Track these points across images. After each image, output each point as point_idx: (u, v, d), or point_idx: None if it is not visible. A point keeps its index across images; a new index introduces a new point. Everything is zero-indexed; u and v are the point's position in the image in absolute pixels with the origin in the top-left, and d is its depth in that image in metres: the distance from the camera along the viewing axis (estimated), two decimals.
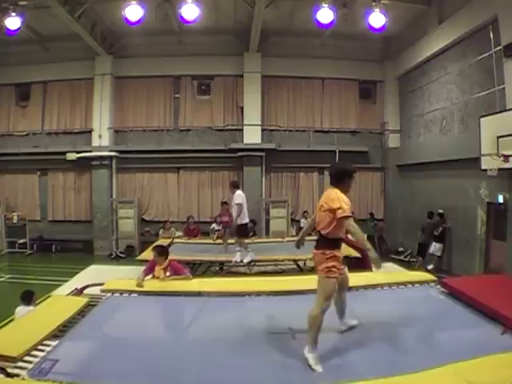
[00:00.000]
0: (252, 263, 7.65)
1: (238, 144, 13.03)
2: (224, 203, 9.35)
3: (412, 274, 5.64)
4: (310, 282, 4.99)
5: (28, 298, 4.97)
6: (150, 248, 5.85)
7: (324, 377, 2.75)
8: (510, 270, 7.73)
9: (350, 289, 4.64)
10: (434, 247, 10.41)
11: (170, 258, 5.38)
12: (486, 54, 8.97)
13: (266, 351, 3.24)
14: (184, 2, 9.75)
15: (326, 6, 9.77)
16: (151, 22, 10.71)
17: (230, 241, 7.68)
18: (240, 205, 7.23)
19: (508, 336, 3.28)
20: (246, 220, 7.42)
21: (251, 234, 10.56)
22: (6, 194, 13.64)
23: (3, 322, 5.05)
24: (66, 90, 13.67)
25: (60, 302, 4.26)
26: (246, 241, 7.54)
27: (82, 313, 3.95)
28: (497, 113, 8.06)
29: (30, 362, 2.91)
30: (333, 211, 3.24)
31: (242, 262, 7.39)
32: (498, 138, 7.50)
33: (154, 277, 5.10)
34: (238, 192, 7.44)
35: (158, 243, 7.43)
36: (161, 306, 4.52)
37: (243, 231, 7.57)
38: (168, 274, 5.09)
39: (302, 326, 3.62)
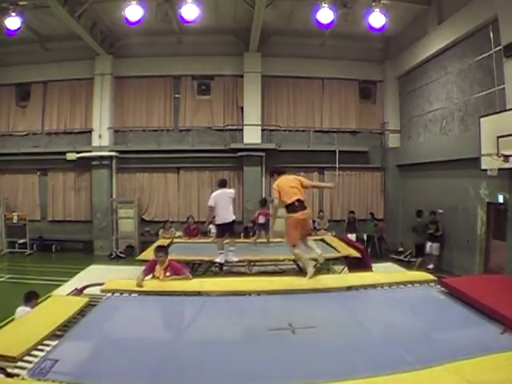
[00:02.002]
0: (230, 264, 7.57)
1: (237, 144, 13.03)
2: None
3: (412, 273, 5.65)
4: (309, 281, 5.02)
5: (28, 298, 4.97)
6: (153, 248, 5.84)
7: (324, 375, 2.75)
8: (510, 270, 7.73)
9: (349, 288, 4.69)
10: (431, 247, 10.41)
11: (169, 258, 5.39)
12: (486, 54, 8.98)
13: (265, 349, 3.24)
14: (184, 2, 9.76)
15: (326, 5, 9.78)
16: (151, 21, 10.73)
17: (226, 240, 7.60)
18: (210, 207, 7.15)
19: (508, 335, 3.28)
20: (222, 221, 7.13)
21: (251, 233, 10.54)
22: (5, 194, 13.64)
23: (3, 322, 5.06)
24: (66, 90, 13.68)
25: (60, 302, 4.25)
26: (227, 241, 7.45)
27: (81, 313, 3.95)
28: (497, 113, 8.06)
29: (30, 362, 2.90)
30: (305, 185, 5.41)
31: (233, 261, 7.38)
32: (498, 137, 7.50)
33: (153, 277, 5.10)
34: (213, 193, 7.27)
35: (158, 243, 7.43)
36: (161, 306, 4.51)
37: (218, 231, 7.49)
38: (168, 274, 5.10)
39: (301, 323, 3.63)
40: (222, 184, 7.44)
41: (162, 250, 5.36)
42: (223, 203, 7.11)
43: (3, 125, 13.78)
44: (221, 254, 7.21)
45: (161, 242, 8.74)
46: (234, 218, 7.27)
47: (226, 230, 7.26)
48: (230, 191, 7.43)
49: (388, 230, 13.30)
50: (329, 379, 2.68)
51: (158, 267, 5.13)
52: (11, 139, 13.71)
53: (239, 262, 7.55)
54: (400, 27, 12.18)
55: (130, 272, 6.37)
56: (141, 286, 4.70)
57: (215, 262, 7.53)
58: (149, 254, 7.31)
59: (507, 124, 7.37)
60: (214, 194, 7.22)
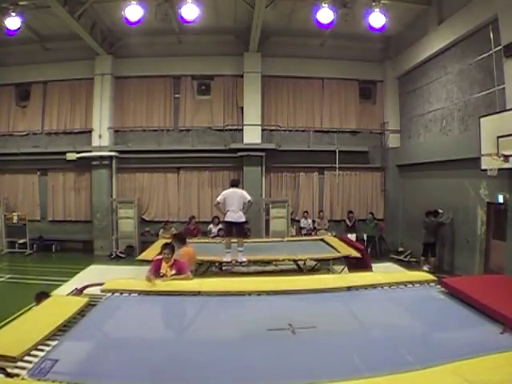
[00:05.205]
0: (244, 264, 7.60)
1: (237, 144, 13.03)
2: None
3: (412, 274, 5.64)
4: (309, 281, 5.03)
5: (38, 298, 4.96)
6: (153, 248, 5.86)
7: (324, 376, 2.75)
8: (510, 270, 7.74)
9: (349, 288, 4.69)
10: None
11: None
12: (485, 54, 8.98)
13: (265, 349, 3.24)
14: (184, 2, 9.76)
15: (326, 5, 9.77)
16: (151, 21, 10.71)
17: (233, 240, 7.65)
18: (217, 202, 7.35)
19: (508, 335, 3.28)
20: (226, 218, 7.32)
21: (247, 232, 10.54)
22: (5, 194, 13.64)
23: (3, 322, 5.05)
24: (66, 90, 13.68)
25: (60, 302, 4.25)
26: (234, 240, 7.49)
27: (81, 313, 3.95)
28: (497, 113, 8.06)
29: (30, 362, 2.90)
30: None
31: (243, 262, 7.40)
32: (498, 137, 7.50)
33: (160, 275, 5.11)
34: (224, 191, 7.53)
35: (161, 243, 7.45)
36: (161, 306, 4.51)
37: (225, 230, 7.66)
38: (174, 271, 5.12)
39: (301, 323, 3.63)
40: (234, 183, 7.65)
41: (169, 246, 5.40)
42: (232, 202, 7.24)
43: (3, 125, 13.77)
44: (228, 253, 7.25)
45: (161, 242, 8.75)
46: (242, 219, 7.33)
47: (233, 229, 7.31)
48: (243, 192, 7.53)
49: (388, 230, 13.30)
50: (329, 379, 2.68)
51: (164, 264, 5.16)
52: (11, 139, 13.71)
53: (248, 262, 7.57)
54: (400, 27, 12.18)
55: (130, 272, 6.37)
56: (150, 281, 4.73)
57: (223, 262, 7.56)
58: (149, 254, 7.33)
59: (507, 124, 7.37)
60: (224, 192, 7.45)
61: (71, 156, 12.94)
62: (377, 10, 9.84)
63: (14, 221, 13.08)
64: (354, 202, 13.70)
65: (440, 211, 10.34)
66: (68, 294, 4.69)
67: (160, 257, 5.49)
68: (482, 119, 8.21)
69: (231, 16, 12.16)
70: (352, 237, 11.65)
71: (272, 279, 5.48)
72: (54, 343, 3.24)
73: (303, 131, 13.63)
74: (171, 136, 13.59)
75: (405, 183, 13.10)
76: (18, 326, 3.63)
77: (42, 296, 4.93)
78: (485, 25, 8.83)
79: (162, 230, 11.53)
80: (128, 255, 12.39)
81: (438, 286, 4.66)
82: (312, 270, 8.30)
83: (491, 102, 8.82)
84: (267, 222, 12.91)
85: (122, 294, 4.58)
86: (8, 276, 10.03)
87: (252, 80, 13.20)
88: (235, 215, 7.21)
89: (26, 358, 2.95)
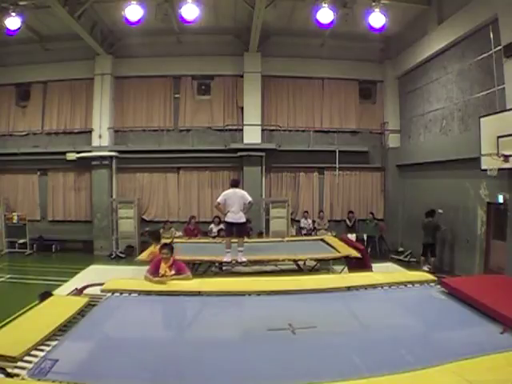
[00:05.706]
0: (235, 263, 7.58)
1: (237, 144, 13.02)
2: None
3: (412, 274, 5.65)
4: (309, 281, 5.03)
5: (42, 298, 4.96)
6: (158, 246, 5.84)
7: (324, 376, 2.75)
8: (510, 270, 7.73)
9: (349, 288, 4.70)
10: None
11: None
12: (485, 54, 8.97)
13: (265, 349, 3.24)
14: (184, 2, 9.76)
15: (326, 5, 9.76)
16: (151, 22, 10.71)
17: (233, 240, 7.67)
18: (217, 203, 7.38)
19: (507, 335, 3.29)
20: (227, 219, 7.37)
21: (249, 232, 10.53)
22: (6, 194, 13.63)
23: (3, 322, 5.05)
24: (66, 90, 13.67)
25: (60, 302, 4.25)
26: (234, 240, 7.50)
27: (81, 313, 3.95)
28: (497, 113, 8.05)
29: (30, 362, 2.90)
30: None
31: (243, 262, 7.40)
32: (498, 137, 7.50)
33: (159, 276, 5.10)
34: (224, 192, 7.56)
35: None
36: (161, 306, 4.52)
37: (226, 230, 7.68)
38: (173, 272, 5.12)
39: (301, 323, 3.63)
40: (234, 184, 7.66)
41: (167, 247, 5.38)
42: (233, 203, 7.26)
43: (3, 125, 13.76)
44: (228, 252, 7.25)
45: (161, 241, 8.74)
46: (243, 220, 7.35)
47: (233, 229, 7.33)
48: (243, 192, 7.53)
49: (388, 230, 13.29)
50: (329, 379, 2.68)
51: (162, 265, 5.14)
52: (11, 139, 13.69)
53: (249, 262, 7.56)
54: (400, 27, 12.18)
55: (130, 272, 6.37)
56: (151, 281, 4.76)
57: (223, 262, 7.57)
58: (149, 253, 7.32)
59: (507, 124, 7.36)
60: (224, 192, 7.48)
61: (71, 156, 12.93)
62: (377, 10, 9.84)
63: (14, 221, 13.06)
64: (354, 201, 13.70)
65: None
66: (68, 294, 4.69)
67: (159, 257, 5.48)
68: (481, 119, 8.20)
69: (231, 16, 12.16)
70: (352, 237, 11.65)
71: (272, 279, 5.49)
72: (54, 343, 3.25)
73: (303, 131, 13.62)
74: (171, 136, 13.58)
75: (405, 183, 13.09)
76: (18, 325, 3.63)
77: (46, 296, 4.93)
78: (485, 25, 8.82)
79: (161, 230, 11.50)
80: (128, 255, 12.38)
81: (438, 286, 4.67)
82: (312, 270, 8.31)
83: (491, 102, 8.81)
84: (267, 221, 12.90)
85: (121, 293, 4.59)
86: (8, 276, 10.02)
87: (252, 80, 13.19)
88: (236, 216, 7.25)
89: (26, 358, 2.95)
